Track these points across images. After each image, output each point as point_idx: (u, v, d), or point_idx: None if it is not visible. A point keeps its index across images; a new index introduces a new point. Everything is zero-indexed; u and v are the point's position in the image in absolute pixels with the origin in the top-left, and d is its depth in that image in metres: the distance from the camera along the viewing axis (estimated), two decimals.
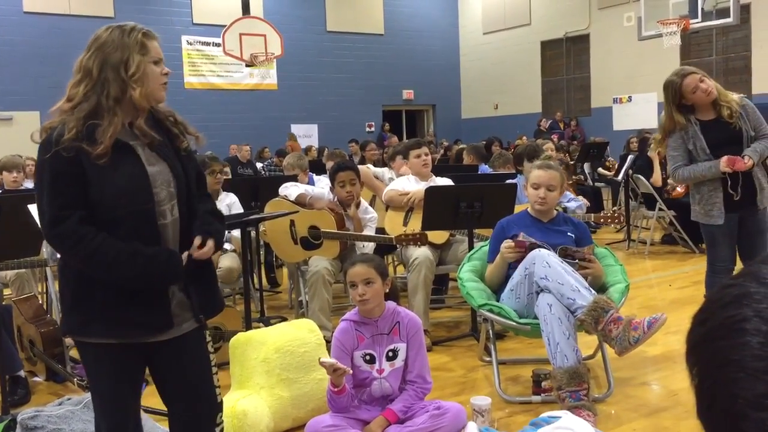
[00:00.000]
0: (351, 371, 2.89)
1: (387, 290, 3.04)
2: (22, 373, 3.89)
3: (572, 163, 10.15)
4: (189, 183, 2.19)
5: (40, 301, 4.72)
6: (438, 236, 4.77)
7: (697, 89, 3.81)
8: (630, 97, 16.87)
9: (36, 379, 4.18)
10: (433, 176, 5.17)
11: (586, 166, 10.68)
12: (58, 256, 2.04)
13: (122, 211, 2.04)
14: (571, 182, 7.69)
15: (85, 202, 2.02)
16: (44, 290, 5.25)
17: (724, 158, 3.76)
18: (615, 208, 7.73)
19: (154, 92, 2.09)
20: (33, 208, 3.53)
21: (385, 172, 6.37)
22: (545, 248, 3.50)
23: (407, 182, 5.10)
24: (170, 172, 2.14)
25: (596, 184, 10.54)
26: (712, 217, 3.91)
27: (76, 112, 2.02)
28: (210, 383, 2.28)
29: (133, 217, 2.05)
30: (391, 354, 3.03)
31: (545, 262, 3.38)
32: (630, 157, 7.90)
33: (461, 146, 10.23)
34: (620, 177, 8.15)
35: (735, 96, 3.93)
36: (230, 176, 7.89)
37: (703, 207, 3.95)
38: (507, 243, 3.61)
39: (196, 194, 2.23)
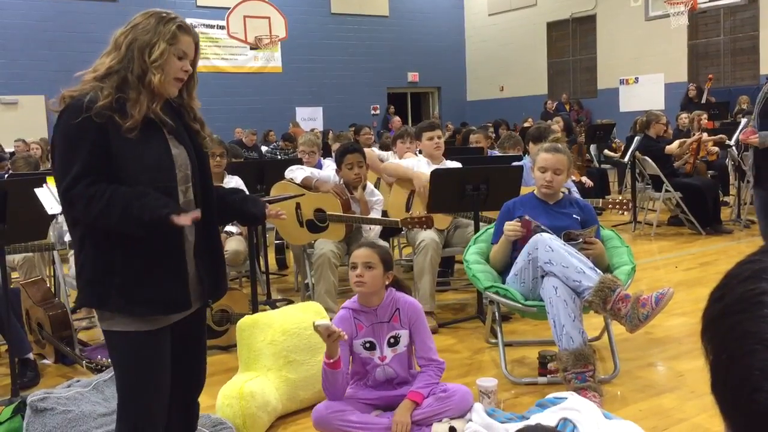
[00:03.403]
0: (346, 336, 2.81)
1: (388, 282, 2.99)
2: (31, 356, 3.93)
3: (582, 142, 10.09)
4: (203, 169, 2.26)
5: (48, 285, 4.75)
6: (440, 221, 4.75)
7: None
8: (637, 78, 16.78)
9: (45, 361, 4.21)
10: (445, 159, 5.15)
11: (593, 148, 10.65)
12: (67, 239, 2.03)
13: (143, 187, 2.05)
14: (580, 163, 7.66)
15: (104, 170, 2.01)
16: (52, 274, 5.28)
17: (750, 128, 3.80)
18: (621, 197, 7.67)
19: (167, 84, 2.11)
20: (40, 192, 3.54)
21: (389, 155, 6.36)
22: (548, 233, 3.50)
23: (418, 164, 5.08)
24: (187, 156, 2.20)
25: (602, 165, 10.51)
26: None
27: (108, 81, 2.05)
28: (204, 364, 2.40)
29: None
30: (392, 340, 3.01)
31: (548, 246, 3.38)
32: (636, 138, 7.86)
33: (470, 129, 10.15)
34: (626, 158, 8.12)
35: None
36: (242, 159, 7.89)
37: None
38: (510, 223, 3.62)
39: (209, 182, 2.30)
